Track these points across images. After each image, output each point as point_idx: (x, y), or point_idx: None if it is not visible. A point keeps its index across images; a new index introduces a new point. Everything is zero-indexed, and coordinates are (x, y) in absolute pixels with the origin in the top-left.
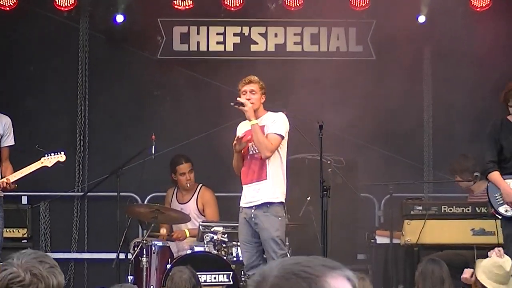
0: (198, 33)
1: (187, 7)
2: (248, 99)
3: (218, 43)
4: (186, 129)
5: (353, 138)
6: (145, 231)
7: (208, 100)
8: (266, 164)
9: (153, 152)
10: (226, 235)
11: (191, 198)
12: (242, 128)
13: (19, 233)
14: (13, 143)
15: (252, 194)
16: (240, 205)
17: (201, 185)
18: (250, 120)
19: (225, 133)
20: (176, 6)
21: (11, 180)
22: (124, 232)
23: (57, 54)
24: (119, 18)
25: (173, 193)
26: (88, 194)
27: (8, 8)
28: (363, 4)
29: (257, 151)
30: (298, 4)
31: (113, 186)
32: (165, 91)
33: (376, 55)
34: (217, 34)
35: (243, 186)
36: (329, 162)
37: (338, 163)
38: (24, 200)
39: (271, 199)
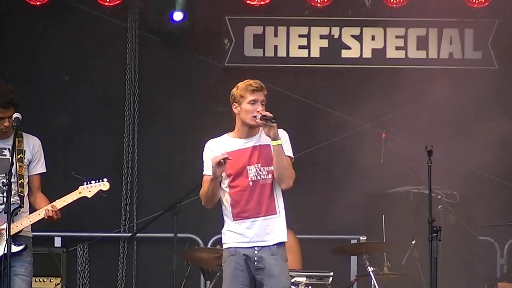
0: (276, 35)
1: (262, 3)
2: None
3: (300, 47)
4: None
5: (469, 168)
6: (208, 282)
7: (289, 117)
8: (274, 195)
9: None
10: None
11: None
12: (222, 147)
13: (51, 283)
14: (44, 170)
15: (257, 232)
16: (230, 245)
17: None
18: (275, 139)
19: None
20: (248, 1)
21: (58, 207)
22: (182, 282)
23: (99, 60)
24: (177, 16)
25: None
26: (138, 235)
27: (38, 3)
28: (483, 0)
29: (265, 177)
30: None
31: (169, 226)
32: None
33: (499, 63)
34: (300, 36)
35: (234, 222)
36: (439, 197)
37: (450, 198)
38: (58, 242)
39: (283, 238)
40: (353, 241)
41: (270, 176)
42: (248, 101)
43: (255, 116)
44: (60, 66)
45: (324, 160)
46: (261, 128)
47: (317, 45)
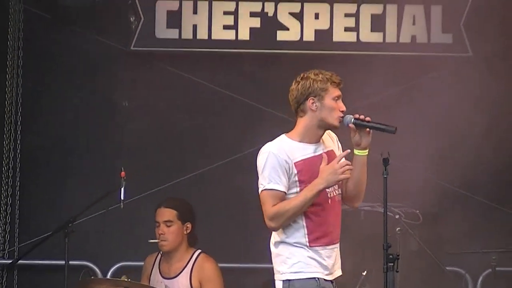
0: (195, 12)
1: None
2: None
3: (226, 28)
4: (178, 161)
5: (436, 180)
6: None
7: (214, 115)
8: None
9: (122, 197)
10: None
11: (182, 270)
12: (290, 153)
13: None
14: None
15: (333, 262)
16: (315, 275)
17: (199, 252)
18: (365, 149)
19: (239, 167)
20: None
21: None
22: None
23: None
24: None
25: (155, 262)
26: (20, 262)
27: None
28: None
29: (338, 192)
30: None
31: (59, 251)
32: (142, 101)
33: (474, 49)
34: (225, 13)
35: (311, 249)
36: (397, 216)
37: (412, 219)
38: None
39: None
40: None
41: (340, 191)
42: (332, 97)
43: (340, 116)
44: None
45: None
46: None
47: (247, 25)
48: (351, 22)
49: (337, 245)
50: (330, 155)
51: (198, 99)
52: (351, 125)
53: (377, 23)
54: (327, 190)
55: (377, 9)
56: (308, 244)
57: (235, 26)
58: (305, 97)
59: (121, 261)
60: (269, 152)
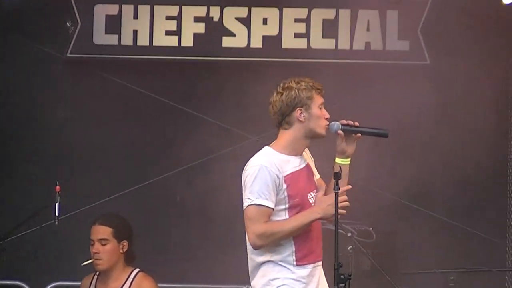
0: (135, 17)
1: None
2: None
3: (168, 33)
4: (116, 174)
5: (390, 195)
6: None
7: (155, 126)
8: None
9: (56, 213)
10: None
11: None
12: (280, 167)
13: None
14: None
15: (319, 281)
16: None
17: (137, 271)
18: (348, 158)
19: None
20: None
21: None
22: None
23: None
24: None
25: (91, 283)
26: None
27: None
28: None
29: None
30: None
31: None
32: (79, 112)
33: (432, 56)
34: (168, 18)
35: (297, 268)
36: (349, 234)
37: (364, 237)
38: None
39: None
40: None
41: None
42: (318, 104)
43: (328, 125)
44: None
45: (198, 184)
46: None
47: (191, 30)
48: (301, 28)
49: (321, 262)
50: (309, 169)
51: (138, 109)
52: (340, 131)
53: (329, 29)
54: (311, 203)
55: (329, 14)
56: (295, 263)
57: (178, 32)
58: (291, 108)
59: (56, 281)
60: (261, 166)
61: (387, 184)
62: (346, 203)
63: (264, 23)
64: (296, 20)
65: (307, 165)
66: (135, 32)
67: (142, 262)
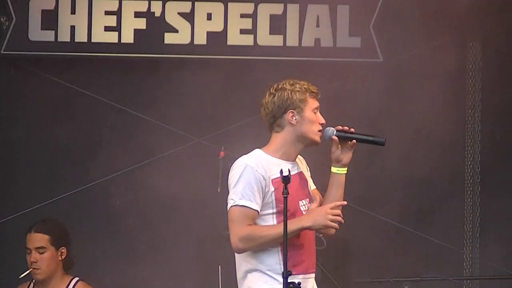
0: (73, 12)
1: None
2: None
3: (108, 29)
4: (53, 177)
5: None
6: None
7: (94, 127)
8: None
9: None
10: None
11: None
12: (269, 170)
13: None
14: None
15: None
16: None
17: (76, 279)
18: (345, 166)
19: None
20: None
21: None
22: None
23: None
24: None
25: None
26: None
27: None
28: None
29: None
30: None
31: None
32: (13, 111)
33: (385, 54)
34: (107, 13)
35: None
36: None
37: (316, 244)
38: None
39: None
40: None
41: None
42: (312, 108)
43: (319, 130)
44: None
45: (139, 188)
46: None
47: (131, 26)
48: (247, 24)
49: (313, 275)
50: (302, 176)
51: (76, 109)
52: (334, 137)
53: (277, 24)
54: (302, 210)
55: (276, 9)
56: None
57: (117, 28)
58: (283, 110)
59: None
60: (246, 165)
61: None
62: (339, 218)
63: (208, 19)
64: (242, 16)
65: (300, 173)
66: (72, 28)
67: (81, 269)
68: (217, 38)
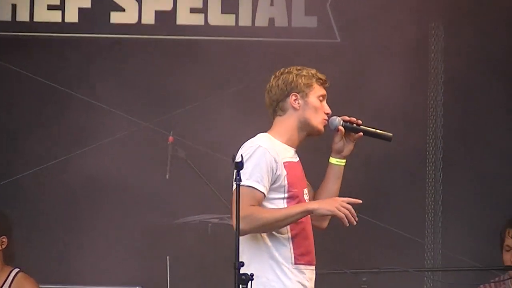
0: None
1: None
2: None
3: (51, 8)
4: None
5: None
6: None
7: (35, 111)
8: None
9: None
10: None
11: None
12: (278, 155)
13: None
14: None
15: (311, 284)
16: None
17: (16, 270)
18: (344, 159)
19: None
20: None
21: None
22: None
23: None
24: None
25: None
26: None
27: None
28: None
29: None
30: None
31: None
32: None
33: (342, 34)
34: None
35: (296, 267)
36: None
37: None
38: None
39: None
40: None
41: None
42: (317, 95)
43: (324, 119)
44: None
45: (82, 177)
46: None
47: (75, 4)
48: (197, 2)
49: (314, 266)
50: (300, 165)
51: (17, 92)
52: (340, 127)
53: (229, 3)
54: (305, 199)
55: None
56: (293, 260)
57: (61, 6)
58: (286, 93)
59: None
60: (258, 147)
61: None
62: (348, 212)
63: None
64: None
65: (299, 162)
66: (13, 7)
67: (20, 261)
68: (165, 18)
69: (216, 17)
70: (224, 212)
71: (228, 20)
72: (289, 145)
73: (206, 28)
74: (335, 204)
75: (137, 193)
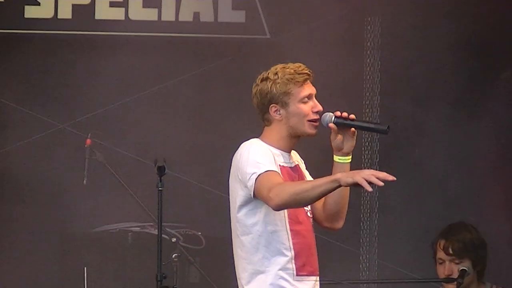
0: None
1: None
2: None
3: None
4: None
5: (223, 195)
6: None
7: None
8: None
9: None
10: None
11: None
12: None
13: None
14: None
15: None
16: None
17: None
18: (348, 155)
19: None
20: None
21: None
22: None
23: None
24: None
25: None
26: None
27: None
28: None
29: (311, 215)
30: None
31: None
32: None
33: (272, 30)
34: None
35: (297, 279)
36: (174, 239)
37: (192, 243)
38: None
39: None
40: None
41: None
42: (300, 99)
43: (314, 120)
44: None
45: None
46: None
47: None
48: None
49: (317, 277)
50: (300, 170)
51: None
52: (331, 124)
53: None
54: (305, 209)
55: None
56: (295, 272)
57: None
58: (266, 105)
59: None
60: (252, 144)
61: (219, 181)
62: (375, 179)
63: None
64: None
65: (297, 166)
66: None
67: None
68: (83, 12)
69: (138, 11)
70: (145, 220)
71: (150, 14)
72: (283, 150)
73: (127, 23)
74: (360, 174)
75: (54, 199)
